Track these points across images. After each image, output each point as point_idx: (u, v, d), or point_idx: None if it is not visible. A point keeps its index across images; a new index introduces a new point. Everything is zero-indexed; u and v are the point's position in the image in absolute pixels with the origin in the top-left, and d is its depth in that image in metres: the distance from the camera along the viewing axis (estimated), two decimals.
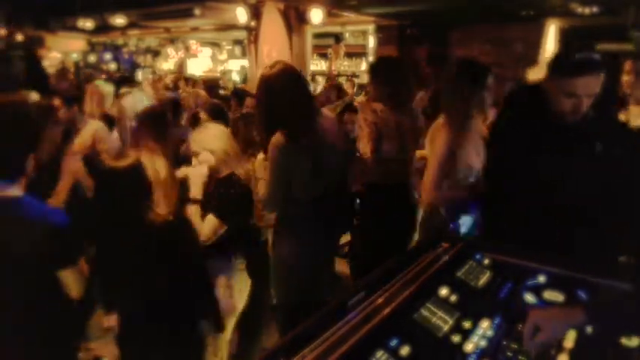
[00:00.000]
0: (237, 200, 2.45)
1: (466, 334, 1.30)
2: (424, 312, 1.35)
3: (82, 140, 3.65)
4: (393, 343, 1.18)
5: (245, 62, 11.14)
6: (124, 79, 8.46)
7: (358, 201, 3.26)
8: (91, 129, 3.79)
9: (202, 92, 6.97)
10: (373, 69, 3.16)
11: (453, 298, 1.43)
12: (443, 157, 2.50)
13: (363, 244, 3.17)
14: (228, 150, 2.50)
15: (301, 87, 2.37)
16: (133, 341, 2.07)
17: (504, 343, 1.29)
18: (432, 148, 2.65)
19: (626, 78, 4.00)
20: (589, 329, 1.29)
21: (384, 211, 3.03)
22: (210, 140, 2.50)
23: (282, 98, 2.26)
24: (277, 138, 2.31)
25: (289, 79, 2.30)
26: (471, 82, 2.56)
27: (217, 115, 4.08)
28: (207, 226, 2.38)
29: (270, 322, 3.32)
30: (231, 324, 2.62)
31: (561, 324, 1.27)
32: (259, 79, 2.37)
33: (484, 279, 1.58)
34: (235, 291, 2.59)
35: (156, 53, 15.41)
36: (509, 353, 1.25)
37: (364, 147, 2.98)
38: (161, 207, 2.07)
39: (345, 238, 3.65)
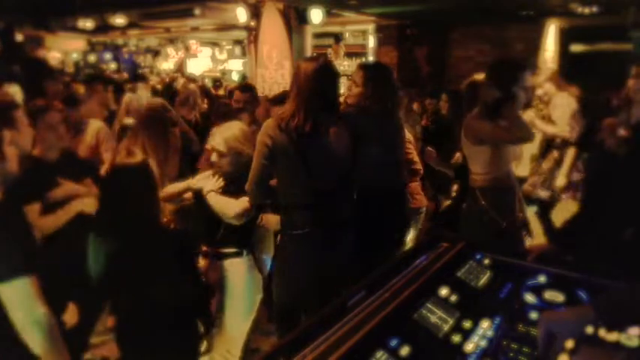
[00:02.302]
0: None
1: (466, 334, 1.30)
2: (424, 312, 1.34)
3: (85, 141, 3.61)
4: (393, 343, 1.18)
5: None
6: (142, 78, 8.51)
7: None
8: (93, 129, 3.71)
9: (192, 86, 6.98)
10: (366, 76, 2.96)
11: (453, 298, 1.43)
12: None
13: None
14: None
15: (325, 81, 2.42)
16: (132, 341, 2.07)
17: (504, 343, 1.29)
18: (471, 137, 2.76)
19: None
20: (589, 329, 1.29)
21: (373, 214, 2.96)
22: (240, 143, 2.53)
23: (302, 85, 2.34)
24: (268, 122, 2.36)
25: (316, 71, 2.37)
26: (503, 80, 2.61)
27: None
28: (240, 204, 2.42)
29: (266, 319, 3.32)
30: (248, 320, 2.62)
31: (575, 325, 1.26)
32: (295, 67, 2.48)
33: (484, 279, 1.58)
34: (254, 286, 2.60)
35: (156, 53, 15.42)
36: (509, 353, 1.25)
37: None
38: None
39: None
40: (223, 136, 2.51)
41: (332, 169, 2.43)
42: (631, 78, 3.67)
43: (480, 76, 3.46)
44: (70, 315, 2.31)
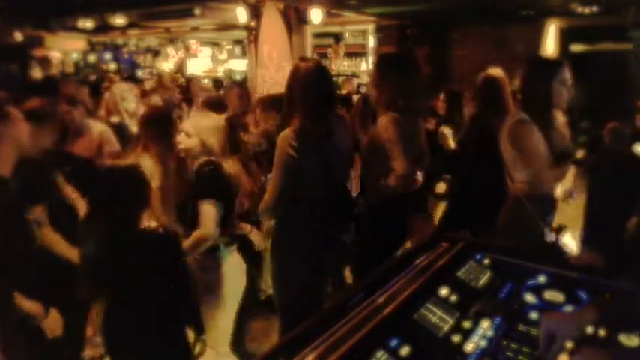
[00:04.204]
0: (217, 176, 2.41)
1: (466, 334, 1.30)
2: (424, 312, 1.34)
3: (85, 143, 3.58)
4: (393, 343, 1.18)
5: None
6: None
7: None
8: (96, 131, 3.67)
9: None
10: (382, 71, 2.80)
11: (453, 298, 1.43)
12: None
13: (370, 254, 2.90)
14: (215, 146, 2.48)
15: (326, 81, 2.47)
16: (118, 344, 2.07)
17: (504, 343, 1.29)
18: (517, 146, 2.55)
19: None
20: (590, 329, 1.29)
21: (400, 219, 2.86)
22: (204, 129, 2.49)
23: (307, 87, 2.36)
24: (286, 132, 2.34)
25: (318, 72, 2.41)
26: (545, 78, 2.53)
27: (215, 108, 4.08)
28: (208, 217, 2.33)
29: (267, 320, 3.33)
30: (227, 314, 2.60)
31: (576, 326, 1.26)
32: (292, 69, 2.45)
33: (484, 279, 1.58)
34: (230, 279, 2.56)
35: (156, 53, 15.41)
36: (509, 353, 1.25)
37: (400, 163, 2.59)
38: (156, 215, 2.07)
39: None
40: (193, 120, 2.60)
41: (343, 165, 2.51)
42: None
43: (495, 71, 3.34)
44: (52, 322, 2.28)
